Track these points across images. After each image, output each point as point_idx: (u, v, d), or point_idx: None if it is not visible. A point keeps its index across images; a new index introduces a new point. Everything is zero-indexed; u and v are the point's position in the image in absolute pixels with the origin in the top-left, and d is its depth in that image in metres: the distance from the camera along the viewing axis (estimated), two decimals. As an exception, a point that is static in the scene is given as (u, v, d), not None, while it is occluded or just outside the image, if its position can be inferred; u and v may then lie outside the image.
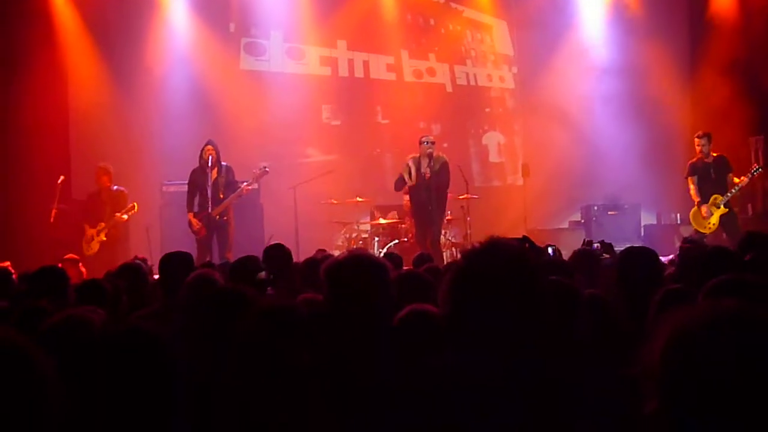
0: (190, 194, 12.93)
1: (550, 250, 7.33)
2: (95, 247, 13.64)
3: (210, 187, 12.69)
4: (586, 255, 6.60)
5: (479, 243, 2.62)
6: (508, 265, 2.50)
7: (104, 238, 13.64)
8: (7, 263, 9.54)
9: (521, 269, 2.51)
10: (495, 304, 2.45)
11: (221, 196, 12.77)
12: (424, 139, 13.05)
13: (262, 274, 6.09)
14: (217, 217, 12.73)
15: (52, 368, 1.82)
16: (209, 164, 12.67)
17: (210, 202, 12.69)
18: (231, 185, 12.88)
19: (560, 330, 3.46)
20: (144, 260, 8.90)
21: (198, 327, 3.58)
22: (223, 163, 12.88)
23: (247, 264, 6.28)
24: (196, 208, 12.85)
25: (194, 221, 12.78)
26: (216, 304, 3.67)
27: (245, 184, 12.93)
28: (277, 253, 7.12)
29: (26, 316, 3.93)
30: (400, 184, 13.23)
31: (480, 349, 2.45)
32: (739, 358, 1.58)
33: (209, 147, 12.78)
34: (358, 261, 3.53)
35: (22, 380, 1.76)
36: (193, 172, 12.92)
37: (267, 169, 13.10)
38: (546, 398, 2.42)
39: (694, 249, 7.16)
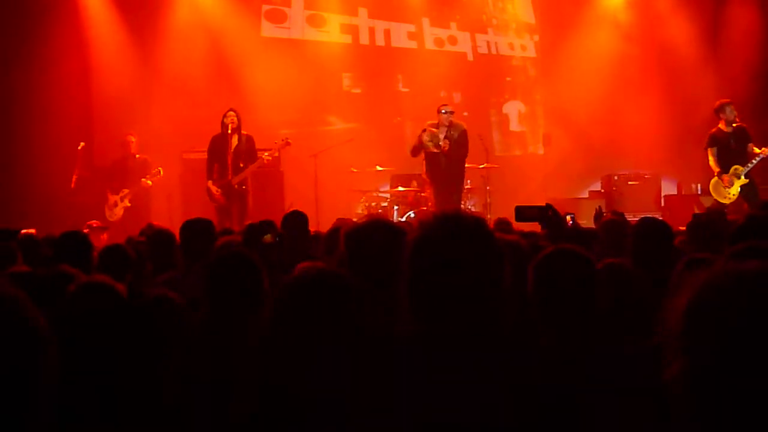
0: (210, 162, 12.97)
1: (568, 218, 7.35)
2: (119, 213, 13.75)
3: (230, 155, 12.73)
4: (612, 224, 6.57)
5: (434, 214, 2.63)
6: (462, 237, 2.51)
7: (128, 204, 13.75)
8: (33, 230, 9.60)
9: (476, 241, 2.51)
10: (448, 275, 2.47)
11: (241, 164, 12.80)
12: (442, 108, 13.17)
13: (268, 237, 6.13)
14: (236, 185, 12.77)
15: (44, 322, 1.84)
16: (230, 131, 12.71)
17: (230, 170, 12.74)
18: (251, 154, 12.91)
19: (573, 300, 3.49)
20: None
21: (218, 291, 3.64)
22: (243, 132, 12.90)
23: (262, 228, 6.33)
24: (215, 176, 12.90)
25: (214, 189, 12.84)
26: (228, 266, 3.74)
27: (266, 154, 12.97)
28: (293, 218, 7.23)
29: (51, 281, 3.97)
30: (417, 150, 13.29)
31: (436, 322, 2.47)
32: (763, 306, 1.59)
33: (231, 113, 12.80)
34: (378, 226, 3.56)
35: (16, 330, 1.78)
36: (214, 138, 12.94)
37: (289, 141, 13.14)
38: (505, 369, 2.44)
39: (703, 217, 7.15)
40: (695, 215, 8.21)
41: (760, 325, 1.58)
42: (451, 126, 13.03)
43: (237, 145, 12.80)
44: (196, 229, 6.21)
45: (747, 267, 1.65)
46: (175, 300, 2.97)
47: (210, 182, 12.88)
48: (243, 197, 12.89)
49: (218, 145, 12.89)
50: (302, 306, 2.67)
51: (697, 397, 1.62)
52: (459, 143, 13.01)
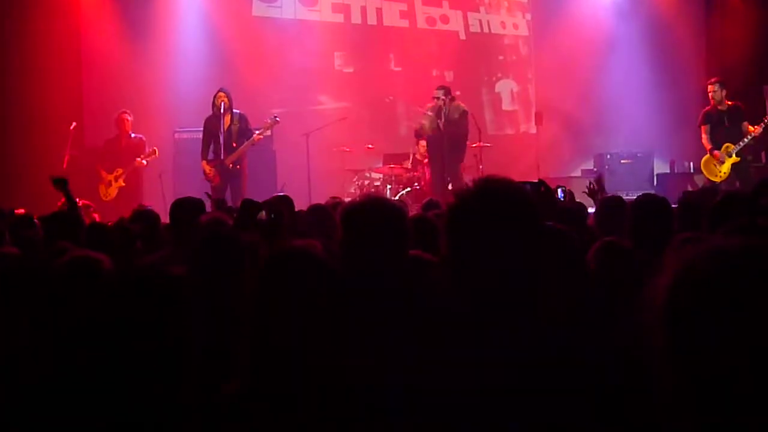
0: (205, 142, 12.94)
1: (560, 191, 7.34)
2: (113, 192, 13.71)
3: (223, 134, 12.69)
4: (609, 202, 6.52)
5: (473, 181, 2.58)
6: (502, 201, 2.46)
7: (123, 184, 13.72)
8: (22, 210, 9.56)
9: (516, 205, 2.47)
10: (490, 240, 2.41)
11: (234, 144, 12.76)
12: (434, 94, 13.47)
13: (262, 214, 6.12)
14: (230, 165, 12.74)
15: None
16: (222, 110, 12.66)
17: (222, 150, 12.70)
18: (245, 133, 12.86)
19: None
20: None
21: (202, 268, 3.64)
22: (236, 110, 12.86)
23: (249, 207, 6.32)
24: (210, 156, 12.88)
25: (208, 168, 12.81)
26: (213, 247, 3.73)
27: (257, 132, 12.92)
28: (276, 201, 7.24)
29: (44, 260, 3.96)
30: (419, 133, 13.79)
31: (477, 287, 2.43)
32: (746, 284, 1.58)
33: (221, 93, 12.74)
34: (374, 204, 3.53)
35: None
36: (207, 119, 12.91)
37: (277, 119, 13.09)
38: (542, 338, 2.41)
39: (694, 195, 7.13)
40: (684, 193, 8.18)
41: (741, 301, 1.57)
42: (450, 107, 13.23)
43: (230, 125, 12.77)
44: (186, 207, 6.20)
45: (730, 244, 1.64)
46: (173, 273, 2.96)
47: (204, 162, 12.86)
48: (237, 177, 12.85)
49: (211, 125, 12.84)
50: (279, 280, 2.69)
51: (677, 374, 1.62)
52: (458, 123, 13.19)
